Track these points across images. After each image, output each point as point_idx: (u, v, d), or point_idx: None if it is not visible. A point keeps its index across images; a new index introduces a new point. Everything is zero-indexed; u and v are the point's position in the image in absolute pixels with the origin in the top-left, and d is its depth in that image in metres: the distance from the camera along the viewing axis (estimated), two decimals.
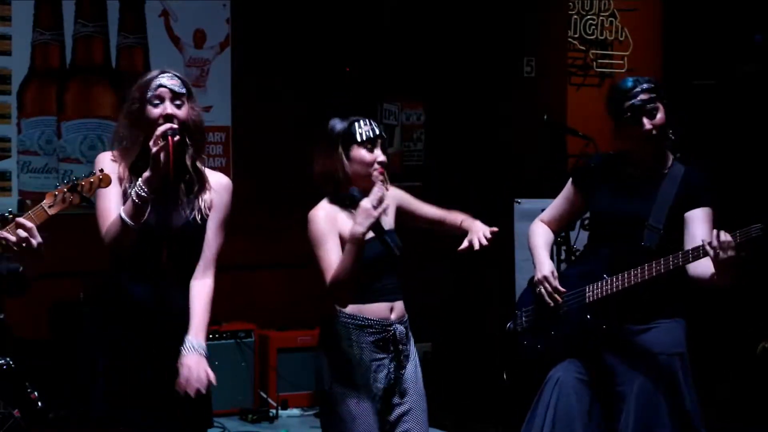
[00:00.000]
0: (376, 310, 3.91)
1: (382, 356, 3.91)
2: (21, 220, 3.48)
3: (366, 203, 3.68)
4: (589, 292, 3.96)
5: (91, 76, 6.84)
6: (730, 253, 3.60)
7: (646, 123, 3.88)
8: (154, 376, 3.58)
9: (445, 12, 7.62)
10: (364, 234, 3.67)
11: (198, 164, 3.68)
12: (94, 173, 3.52)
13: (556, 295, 4.02)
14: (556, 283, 4.03)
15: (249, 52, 7.23)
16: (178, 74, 3.67)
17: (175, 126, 3.52)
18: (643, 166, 3.98)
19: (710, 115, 7.44)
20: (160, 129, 3.49)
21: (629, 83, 3.93)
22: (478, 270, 7.29)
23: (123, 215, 3.49)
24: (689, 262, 3.74)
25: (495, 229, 4.00)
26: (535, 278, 4.09)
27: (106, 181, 3.51)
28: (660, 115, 3.91)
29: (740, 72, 7.42)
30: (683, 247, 3.81)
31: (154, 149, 3.46)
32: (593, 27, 8.15)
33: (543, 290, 4.05)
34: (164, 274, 3.60)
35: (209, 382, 3.59)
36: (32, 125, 6.66)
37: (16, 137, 6.61)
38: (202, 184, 3.69)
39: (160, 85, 3.59)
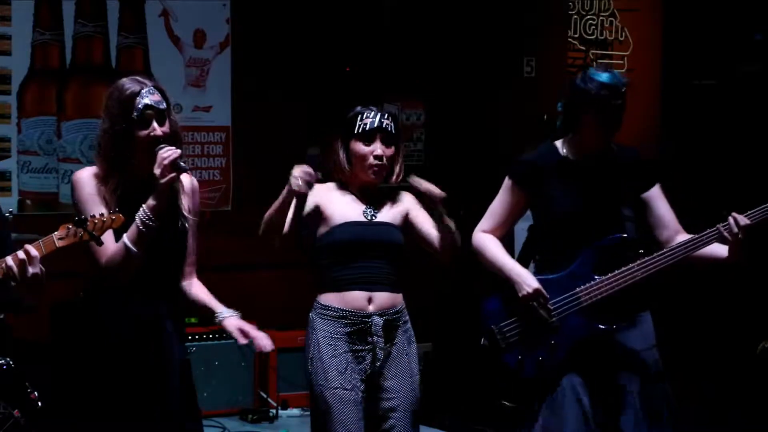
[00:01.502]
0: (350, 299, 3.89)
1: (359, 348, 3.90)
2: (28, 246, 3.39)
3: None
4: (583, 295, 3.87)
5: (91, 76, 6.83)
6: (743, 234, 3.68)
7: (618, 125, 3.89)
8: (143, 389, 3.54)
9: (444, 12, 7.61)
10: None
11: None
12: (110, 213, 3.40)
13: (548, 307, 3.89)
14: (545, 293, 3.88)
15: (249, 52, 7.22)
16: (156, 85, 3.56)
17: (180, 151, 3.45)
18: (588, 153, 3.93)
19: (710, 115, 7.44)
20: (166, 157, 3.41)
21: (614, 79, 3.84)
22: (478, 270, 7.28)
23: (128, 243, 3.42)
24: (701, 248, 3.75)
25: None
26: (523, 292, 3.90)
27: (118, 222, 3.38)
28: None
29: (741, 72, 7.42)
30: (651, 228, 3.85)
31: (164, 180, 3.40)
32: (593, 27, 8.15)
33: (537, 304, 3.88)
34: (152, 288, 3.56)
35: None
36: (32, 125, 6.65)
37: (16, 137, 6.61)
38: (182, 190, 3.64)
39: (146, 107, 3.48)
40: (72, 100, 6.78)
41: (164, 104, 3.53)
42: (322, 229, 3.96)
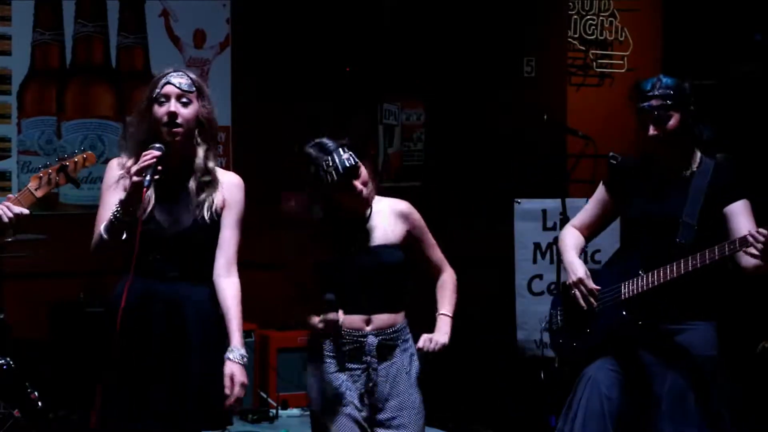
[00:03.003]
0: (348, 321, 3.85)
1: (355, 366, 3.88)
2: (3, 205, 3.51)
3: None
4: (624, 289, 3.95)
5: (91, 76, 6.84)
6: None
7: (651, 129, 3.89)
8: (171, 376, 3.58)
9: (444, 12, 7.62)
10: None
11: (210, 163, 3.67)
12: (78, 152, 3.51)
13: (590, 298, 4.01)
14: (591, 284, 4.01)
15: (249, 52, 7.23)
16: (189, 73, 3.65)
17: (155, 159, 3.46)
18: (668, 165, 3.98)
19: (710, 115, 7.42)
20: (146, 156, 3.45)
21: (648, 85, 3.93)
22: (478, 270, 7.28)
23: (102, 232, 3.52)
24: (726, 256, 3.73)
25: (441, 345, 3.89)
26: (569, 281, 4.07)
27: (90, 159, 3.51)
28: (672, 122, 3.90)
29: (738, 72, 7.42)
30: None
31: (135, 179, 3.43)
32: (593, 27, 8.15)
33: (578, 292, 4.03)
34: (175, 273, 3.61)
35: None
36: (32, 125, 6.66)
37: (16, 137, 6.61)
38: (214, 182, 3.68)
39: (168, 83, 3.57)
40: (72, 100, 6.78)
41: (191, 87, 3.60)
42: (323, 269, 3.90)
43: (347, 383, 3.87)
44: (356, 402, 3.86)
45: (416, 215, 4.01)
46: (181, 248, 3.62)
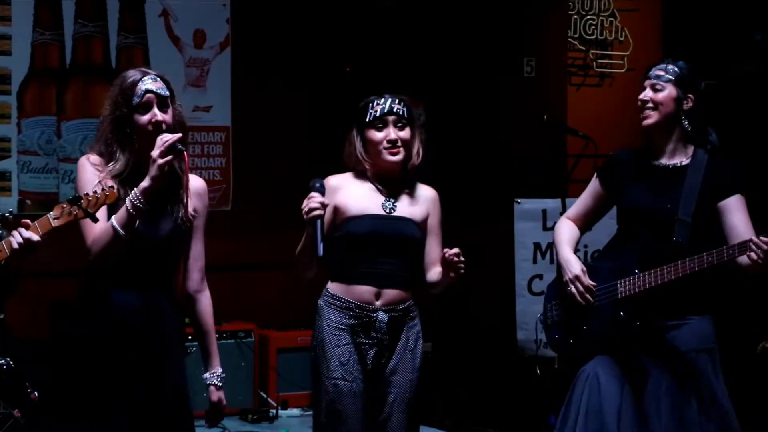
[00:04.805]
0: (358, 292, 3.87)
1: (363, 341, 3.88)
2: (21, 230, 3.37)
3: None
4: (621, 287, 3.95)
5: (91, 76, 6.84)
6: None
7: (643, 93, 3.97)
8: (142, 384, 3.53)
9: (445, 12, 7.62)
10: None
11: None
12: (103, 189, 3.40)
13: (587, 295, 4.01)
14: (588, 281, 4.01)
15: (249, 52, 7.23)
16: (159, 75, 3.56)
17: (180, 135, 3.43)
18: (659, 153, 3.98)
19: (709, 115, 7.43)
20: (166, 140, 3.39)
21: (662, 61, 4.06)
22: (478, 270, 7.28)
23: (115, 225, 3.39)
24: (725, 260, 3.73)
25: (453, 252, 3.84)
26: (566, 277, 4.06)
27: (111, 197, 3.36)
28: (662, 95, 3.95)
29: (738, 72, 7.42)
30: (722, 239, 3.81)
31: (160, 161, 3.37)
32: (593, 27, 8.15)
33: (574, 289, 4.03)
34: (152, 281, 3.55)
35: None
36: (32, 125, 6.66)
37: (16, 137, 6.61)
38: (187, 185, 3.60)
39: (147, 91, 3.48)
40: (72, 100, 6.79)
41: (167, 92, 3.53)
42: (340, 220, 3.90)
43: (355, 357, 3.87)
44: (360, 377, 3.87)
45: (438, 206, 4.06)
46: (162, 255, 3.56)
